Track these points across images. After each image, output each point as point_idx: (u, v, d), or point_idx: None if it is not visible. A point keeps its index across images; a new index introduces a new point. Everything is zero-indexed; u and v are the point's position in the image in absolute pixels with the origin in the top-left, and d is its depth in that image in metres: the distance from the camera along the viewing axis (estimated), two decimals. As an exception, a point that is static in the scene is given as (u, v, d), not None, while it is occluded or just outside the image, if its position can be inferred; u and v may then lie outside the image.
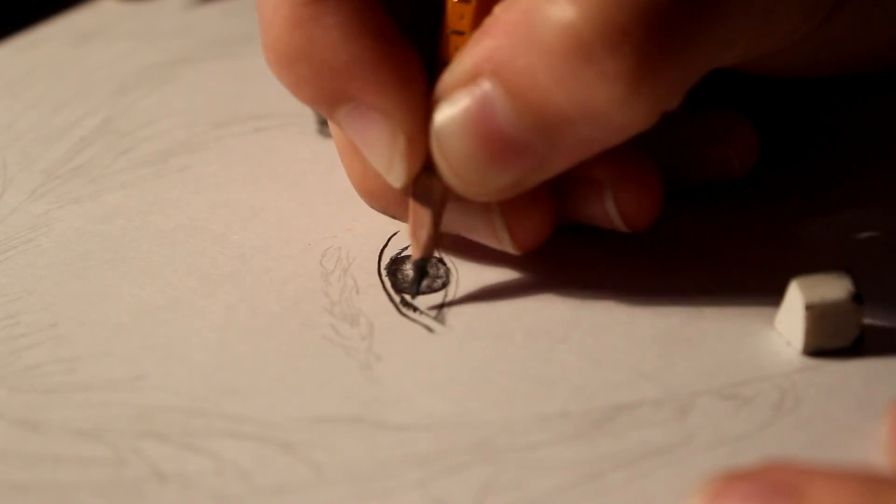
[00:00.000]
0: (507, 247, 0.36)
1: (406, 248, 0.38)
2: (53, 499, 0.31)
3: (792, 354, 0.34)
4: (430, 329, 0.36)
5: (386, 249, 0.38)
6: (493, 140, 0.33)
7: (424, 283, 0.37)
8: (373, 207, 0.38)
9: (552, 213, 0.36)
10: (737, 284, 0.37)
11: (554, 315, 0.36)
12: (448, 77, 0.33)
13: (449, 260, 0.38)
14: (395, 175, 0.35)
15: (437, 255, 0.38)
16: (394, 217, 0.38)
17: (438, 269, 0.37)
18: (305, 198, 0.41)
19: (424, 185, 0.35)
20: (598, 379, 0.34)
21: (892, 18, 0.37)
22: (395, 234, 0.39)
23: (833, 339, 0.34)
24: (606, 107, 0.32)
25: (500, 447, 0.32)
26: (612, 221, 0.36)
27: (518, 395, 0.33)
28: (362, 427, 0.33)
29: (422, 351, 0.35)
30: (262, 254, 0.39)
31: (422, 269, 0.36)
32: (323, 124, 0.44)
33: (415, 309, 0.36)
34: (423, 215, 0.35)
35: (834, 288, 0.34)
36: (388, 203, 0.37)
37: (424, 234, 0.35)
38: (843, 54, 0.38)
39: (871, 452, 0.31)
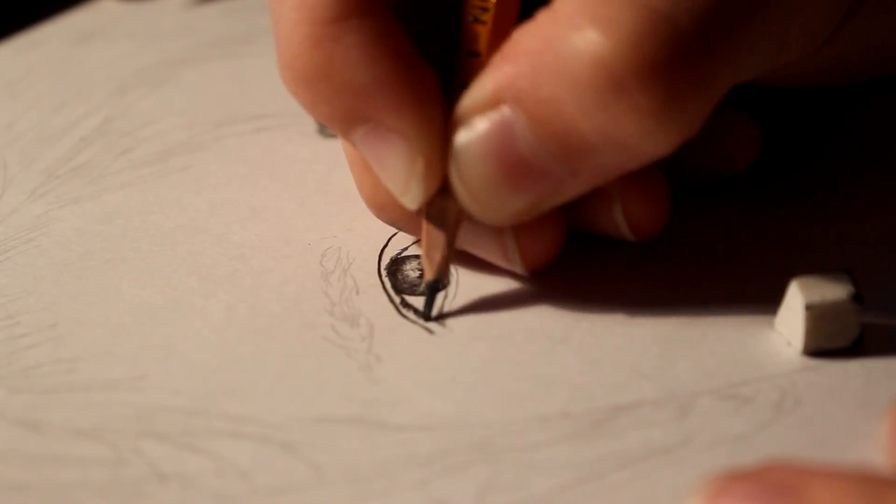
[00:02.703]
0: (517, 267, 0.36)
1: (406, 247, 0.38)
2: (53, 499, 0.31)
3: (792, 354, 0.34)
4: (430, 330, 0.36)
5: (386, 249, 0.38)
6: (513, 165, 0.33)
7: (425, 284, 0.37)
8: (381, 219, 0.38)
9: (563, 235, 0.36)
10: (737, 284, 0.37)
11: (554, 315, 0.36)
12: (468, 101, 0.33)
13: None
14: (412, 197, 0.35)
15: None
16: (401, 230, 0.38)
17: (438, 270, 0.37)
18: (305, 198, 0.41)
19: (439, 207, 0.35)
20: (598, 379, 0.34)
21: None
22: (395, 234, 0.39)
23: (833, 339, 0.34)
24: (635, 139, 0.32)
25: (500, 447, 0.32)
26: (621, 231, 0.36)
27: (518, 396, 0.33)
28: (362, 427, 0.33)
29: (422, 351, 0.35)
30: (262, 254, 0.39)
31: (434, 289, 0.36)
32: (323, 125, 0.44)
33: (415, 310, 0.36)
34: (438, 237, 0.35)
35: (834, 288, 0.34)
36: (398, 218, 0.37)
37: (438, 255, 0.35)
38: (852, 63, 0.38)
39: (871, 452, 0.31)
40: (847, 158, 0.41)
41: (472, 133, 0.33)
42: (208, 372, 0.35)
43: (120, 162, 0.43)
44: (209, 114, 0.45)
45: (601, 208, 0.36)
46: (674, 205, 0.38)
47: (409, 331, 0.36)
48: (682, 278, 0.37)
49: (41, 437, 0.33)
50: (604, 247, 0.38)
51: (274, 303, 0.37)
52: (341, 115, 0.34)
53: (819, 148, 0.42)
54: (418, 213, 0.35)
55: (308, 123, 0.44)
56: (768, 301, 0.35)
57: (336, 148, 0.42)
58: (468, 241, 0.36)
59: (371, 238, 0.39)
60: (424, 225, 0.35)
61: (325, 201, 0.41)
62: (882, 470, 0.31)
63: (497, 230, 0.36)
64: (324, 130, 0.44)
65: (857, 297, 0.34)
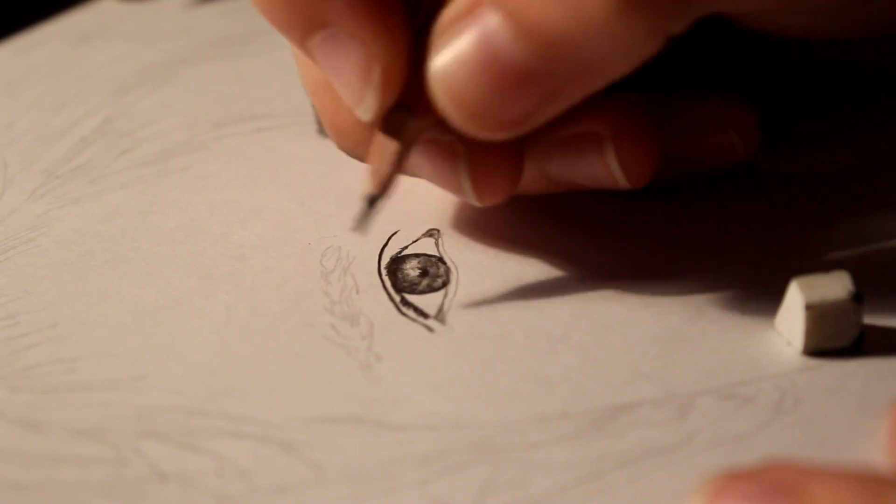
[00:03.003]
0: (469, 197, 0.36)
1: (406, 246, 0.38)
2: (53, 498, 0.31)
3: (792, 354, 0.34)
4: (430, 329, 0.36)
5: (386, 249, 0.38)
6: (500, 71, 0.32)
7: (424, 282, 0.37)
8: (341, 147, 0.37)
9: (518, 170, 0.36)
10: (737, 284, 0.37)
11: (554, 315, 0.36)
12: (448, 14, 0.33)
13: (449, 260, 0.38)
14: (366, 107, 0.34)
15: (437, 254, 0.38)
16: (361, 160, 0.37)
17: (438, 269, 0.37)
18: (305, 198, 0.41)
19: (396, 122, 0.34)
20: (598, 379, 0.34)
21: None
22: (395, 233, 0.39)
23: (833, 339, 0.34)
24: (603, 16, 0.31)
25: (500, 447, 0.32)
26: (614, 176, 0.36)
27: (518, 395, 0.34)
28: (362, 427, 0.33)
29: (422, 351, 0.35)
30: (262, 254, 0.39)
31: (372, 203, 0.35)
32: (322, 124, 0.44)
33: (415, 309, 0.36)
34: (389, 150, 0.34)
35: (834, 288, 0.34)
36: (357, 142, 0.36)
37: (386, 169, 0.34)
38: (871, 13, 0.37)
39: (871, 452, 0.31)
40: (847, 158, 0.41)
41: (457, 43, 0.33)
42: (208, 372, 0.35)
43: (120, 162, 0.43)
44: (209, 114, 0.45)
45: (593, 153, 0.36)
46: (674, 204, 0.38)
47: (409, 330, 0.36)
48: (683, 278, 0.37)
49: (41, 437, 0.33)
50: (604, 246, 0.38)
51: (274, 302, 0.37)
52: (299, 19, 0.34)
53: (818, 147, 0.42)
54: (372, 126, 0.35)
55: (308, 123, 0.44)
56: (768, 301, 0.35)
57: (336, 148, 0.42)
58: (424, 169, 0.36)
59: (371, 237, 0.39)
60: (376, 137, 0.35)
61: (325, 201, 0.41)
62: (882, 470, 0.31)
63: (451, 158, 0.35)
64: (324, 130, 0.44)
65: (857, 297, 0.34)
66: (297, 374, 0.34)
